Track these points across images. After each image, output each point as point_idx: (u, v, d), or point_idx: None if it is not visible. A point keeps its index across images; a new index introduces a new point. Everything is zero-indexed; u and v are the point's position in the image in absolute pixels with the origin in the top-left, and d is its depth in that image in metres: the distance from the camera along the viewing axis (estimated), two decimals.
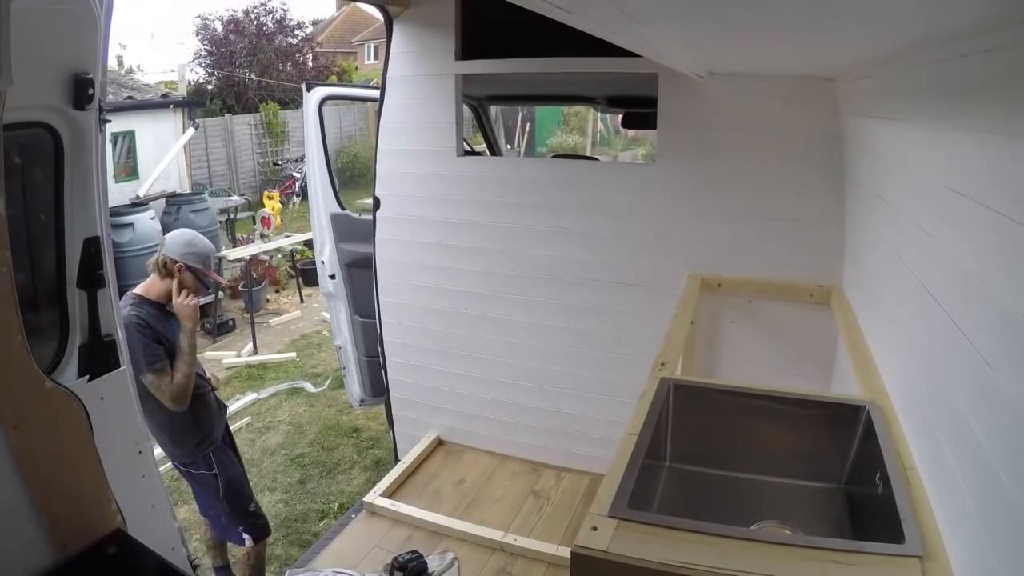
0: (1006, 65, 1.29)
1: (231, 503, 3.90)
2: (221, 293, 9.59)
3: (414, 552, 3.72)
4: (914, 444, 2.03)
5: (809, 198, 3.64)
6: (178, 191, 11.36)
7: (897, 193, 2.51)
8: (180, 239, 3.79)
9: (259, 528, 4.03)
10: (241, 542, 3.97)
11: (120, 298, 2.90)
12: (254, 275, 9.58)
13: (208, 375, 3.98)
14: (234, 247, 10.21)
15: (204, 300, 8.18)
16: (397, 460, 4.99)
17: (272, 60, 22.42)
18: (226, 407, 4.23)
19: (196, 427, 3.76)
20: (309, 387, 7.75)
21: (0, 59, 1.45)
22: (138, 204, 9.36)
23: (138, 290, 3.67)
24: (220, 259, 9.48)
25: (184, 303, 3.66)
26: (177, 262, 3.67)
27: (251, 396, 7.47)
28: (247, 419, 6.97)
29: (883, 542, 1.67)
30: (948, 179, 1.79)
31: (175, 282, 3.68)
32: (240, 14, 22.43)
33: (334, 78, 24.03)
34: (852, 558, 1.59)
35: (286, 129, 19.45)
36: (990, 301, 1.47)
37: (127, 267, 8.00)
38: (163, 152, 11.51)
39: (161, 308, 3.69)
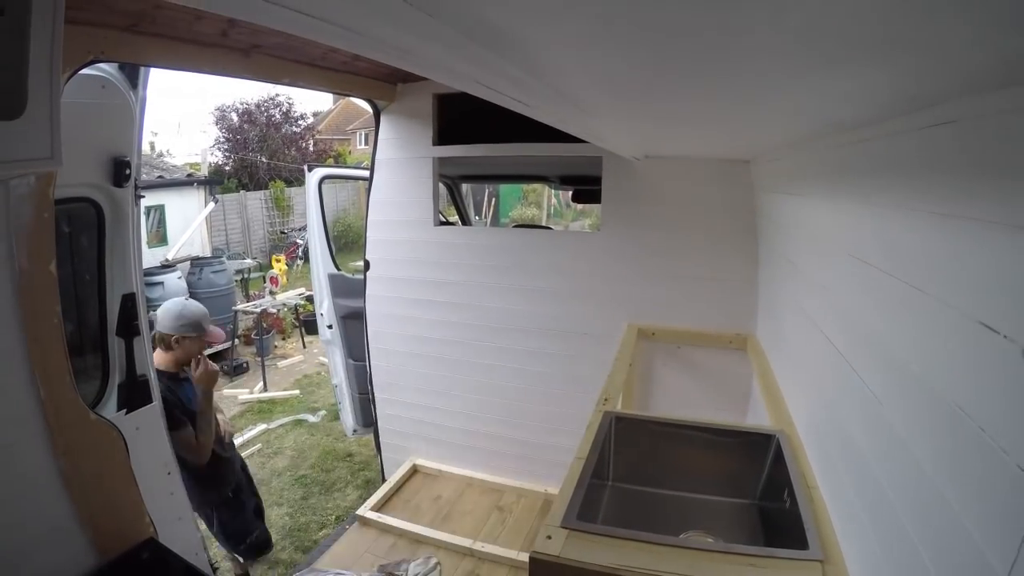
0: (901, 147, 1.33)
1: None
2: (236, 340, 9.52)
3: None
4: (816, 467, 2.04)
5: (728, 261, 3.69)
6: (200, 255, 11.33)
7: (802, 256, 2.55)
8: (170, 312, 3.34)
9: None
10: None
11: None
12: (264, 325, 9.56)
13: (223, 430, 3.69)
14: (248, 302, 10.17)
15: (221, 346, 8.14)
16: (384, 480, 4.91)
17: (279, 145, 22.39)
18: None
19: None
20: (310, 418, 7.64)
21: (52, 145, 1.45)
22: (167, 266, 9.31)
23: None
24: (236, 312, 9.45)
25: (200, 374, 3.30)
26: (172, 335, 3.32)
27: (261, 426, 7.39)
28: (258, 446, 6.88)
29: (790, 548, 1.67)
30: (845, 244, 1.82)
31: (180, 352, 3.34)
32: (253, 107, 22.49)
33: (331, 160, 24.04)
34: (764, 562, 1.59)
35: (291, 203, 19.35)
36: (880, 347, 1.49)
37: None
38: (188, 222, 11.48)
39: (173, 376, 3.33)
